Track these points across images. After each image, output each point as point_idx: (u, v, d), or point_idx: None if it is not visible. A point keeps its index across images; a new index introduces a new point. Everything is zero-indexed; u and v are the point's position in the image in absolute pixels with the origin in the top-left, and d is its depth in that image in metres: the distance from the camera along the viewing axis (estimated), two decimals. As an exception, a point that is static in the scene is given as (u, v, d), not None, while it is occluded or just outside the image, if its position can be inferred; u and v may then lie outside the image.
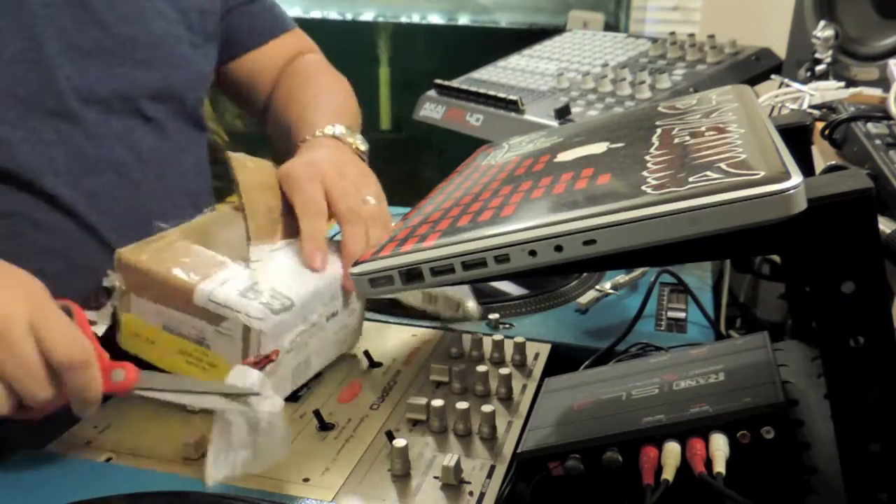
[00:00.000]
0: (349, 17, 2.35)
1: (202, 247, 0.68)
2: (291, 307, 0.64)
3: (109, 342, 0.67)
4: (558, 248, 0.44)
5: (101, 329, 0.66)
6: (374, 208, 0.72)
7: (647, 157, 0.50)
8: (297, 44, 0.98)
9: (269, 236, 0.69)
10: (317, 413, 0.65)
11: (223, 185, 0.81)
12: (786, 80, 1.05)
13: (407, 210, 0.64)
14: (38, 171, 0.68)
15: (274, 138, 0.94)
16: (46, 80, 0.69)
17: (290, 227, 0.72)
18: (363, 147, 0.83)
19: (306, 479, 0.58)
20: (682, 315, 0.84)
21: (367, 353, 0.75)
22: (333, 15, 2.35)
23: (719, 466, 0.48)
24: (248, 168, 0.69)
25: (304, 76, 0.95)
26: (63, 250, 0.69)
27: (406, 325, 0.82)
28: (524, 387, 0.70)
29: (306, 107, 0.88)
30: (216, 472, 0.54)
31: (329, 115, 0.85)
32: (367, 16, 2.33)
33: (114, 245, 0.67)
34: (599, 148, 0.58)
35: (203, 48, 0.86)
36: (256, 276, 0.65)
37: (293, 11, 2.33)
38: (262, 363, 0.58)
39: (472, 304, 0.80)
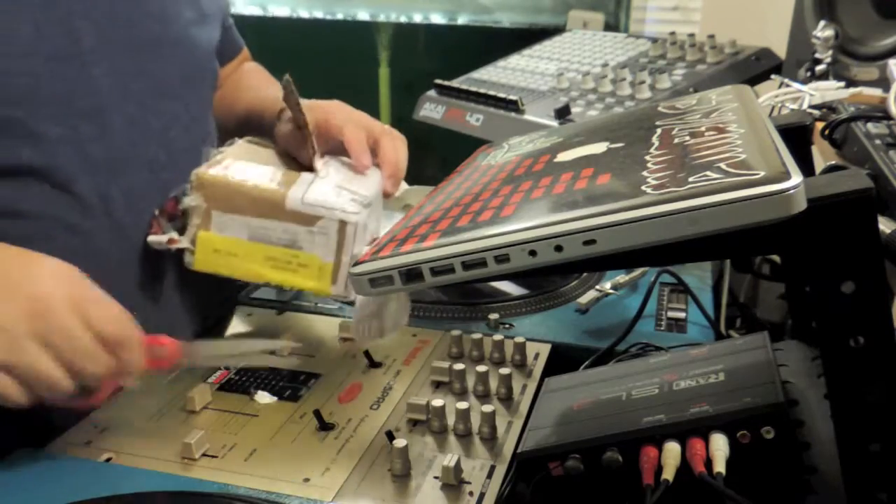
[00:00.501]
0: (349, 17, 2.35)
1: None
2: (370, 203, 0.70)
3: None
4: (558, 248, 0.44)
5: (186, 243, 0.70)
6: (398, 132, 0.82)
7: (647, 157, 0.50)
8: (242, 58, 1.05)
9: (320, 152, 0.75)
10: (317, 413, 0.65)
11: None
12: (786, 80, 1.05)
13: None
14: (75, 171, 0.69)
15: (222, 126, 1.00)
16: (84, 76, 0.70)
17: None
18: None
19: (306, 479, 0.58)
20: (682, 315, 0.84)
21: (367, 353, 0.76)
22: (333, 15, 2.35)
23: (719, 466, 0.48)
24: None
25: (253, 73, 1.03)
26: (94, 252, 0.69)
27: (406, 325, 0.82)
28: (524, 387, 0.70)
29: (264, 90, 0.95)
30: (363, 341, 0.69)
31: None
32: (368, 16, 2.33)
33: (143, 246, 0.71)
34: (599, 148, 0.58)
35: (213, 50, 0.89)
36: (330, 180, 0.71)
37: (291, 11, 2.33)
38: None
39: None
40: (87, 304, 0.58)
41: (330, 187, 0.70)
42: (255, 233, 0.68)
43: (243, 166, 0.72)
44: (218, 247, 0.70)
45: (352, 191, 0.70)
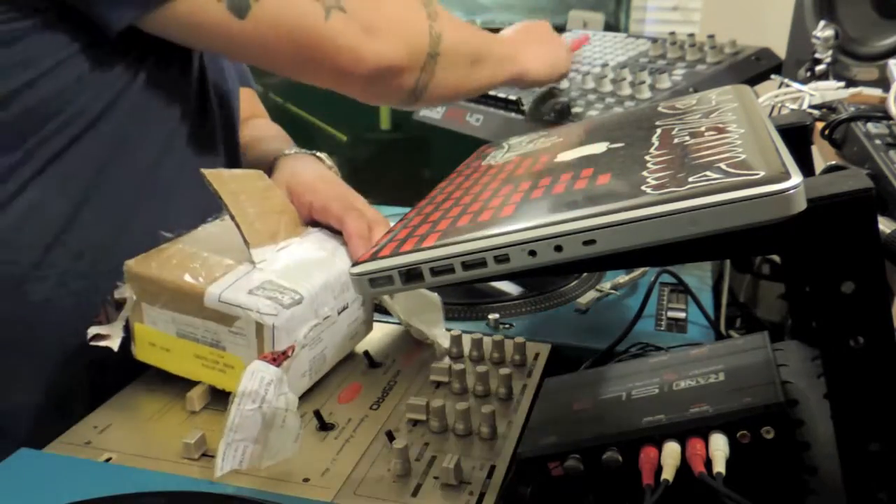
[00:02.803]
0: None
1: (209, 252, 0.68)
2: (301, 301, 0.65)
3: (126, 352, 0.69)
4: (558, 248, 0.44)
5: (115, 343, 0.67)
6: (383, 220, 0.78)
7: (647, 157, 0.50)
8: (252, 103, 1.04)
9: (269, 238, 0.70)
10: (317, 413, 0.65)
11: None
12: (786, 80, 1.05)
13: (407, 210, 0.64)
14: None
15: None
16: (209, 117, 0.75)
17: (289, 226, 0.74)
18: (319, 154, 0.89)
19: (306, 479, 0.58)
20: (682, 315, 0.84)
21: (367, 353, 0.76)
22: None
23: (719, 466, 0.48)
24: (225, 179, 0.70)
25: (258, 129, 1.01)
26: None
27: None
28: (524, 387, 0.70)
29: (266, 142, 0.94)
30: (225, 464, 0.55)
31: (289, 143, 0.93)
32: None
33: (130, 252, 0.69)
34: (599, 148, 0.58)
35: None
36: (264, 275, 0.66)
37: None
38: (279, 359, 0.59)
39: (444, 341, 0.77)
40: None
41: (257, 283, 0.65)
42: (182, 329, 0.66)
43: (185, 255, 0.68)
44: (152, 340, 0.68)
45: (284, 286, 0.66)
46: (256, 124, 1.00)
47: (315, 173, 0.81)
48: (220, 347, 0.65)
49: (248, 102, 1.02)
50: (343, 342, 0.73)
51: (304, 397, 0.69)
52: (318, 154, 0.87)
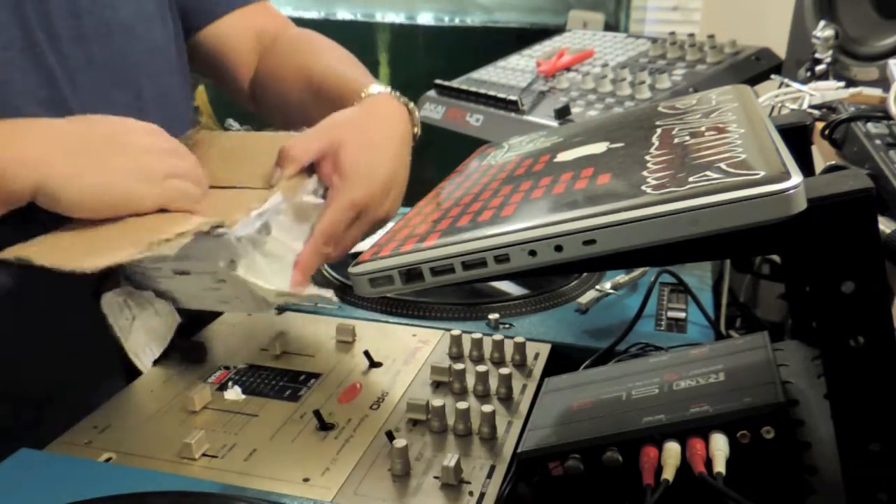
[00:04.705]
0: (350, 17, 2.35)
1: None
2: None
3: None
4: (558, 248, 0.44)
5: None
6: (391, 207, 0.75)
7: (647, 157, 0.50)
8: (267, 15, 0.95)
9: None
10: (317, 413, 0.65)
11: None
12: (786, 80, 1.06)
13: (407, 210, 0.64)
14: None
15: (275, 111, 0.92)
16: (41, 66, 0.70)
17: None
18: (411, 106, 0.84)
19: (306, 479, 0.58)
20: (682, 315, 0.84)
21: (367, 353, 0.75)
22: (334, 15, 2.35)
23: (719, 466, 0.48)
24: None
25: (319, 39, 0.93)
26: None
27: (406, 325, 0.82)
28: (524, 387, 0.70)
29: (340, 63, 0.87)
30: None
31: (367, 74, 0.85)
32: (368, 16, 2.33)
33: None
34: (599, 148, 0.58)
35: (170, 25, 0.86)
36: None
37: (292, 11, 2.33)
38: None
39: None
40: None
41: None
42: None
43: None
44: None
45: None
46: (303, 43, 0.91)
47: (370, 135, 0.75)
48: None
49: (264, 12, 0.93)
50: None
51: (304, 397, 0.69)
52: (410, 105, 0.81)
